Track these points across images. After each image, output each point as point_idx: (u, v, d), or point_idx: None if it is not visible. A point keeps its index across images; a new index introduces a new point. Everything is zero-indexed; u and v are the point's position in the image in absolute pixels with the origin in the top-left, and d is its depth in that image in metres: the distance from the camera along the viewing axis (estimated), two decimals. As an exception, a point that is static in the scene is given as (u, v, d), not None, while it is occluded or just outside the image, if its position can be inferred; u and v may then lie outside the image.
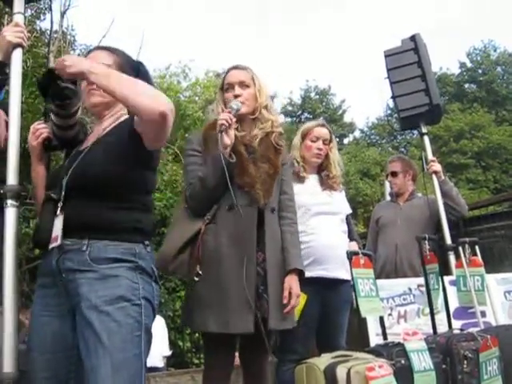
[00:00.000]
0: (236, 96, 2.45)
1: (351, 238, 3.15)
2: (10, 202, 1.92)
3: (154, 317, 1.78)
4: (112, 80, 1.68)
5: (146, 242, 1.81)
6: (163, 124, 1.67)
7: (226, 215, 2.30)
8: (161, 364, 5.51)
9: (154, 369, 5.06)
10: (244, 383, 2.48)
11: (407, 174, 3.99)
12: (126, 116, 1.94)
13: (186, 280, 2.46)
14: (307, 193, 2.92)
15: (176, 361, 6.24)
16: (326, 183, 3.05)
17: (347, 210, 3.16)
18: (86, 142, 1.92)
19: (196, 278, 2.24)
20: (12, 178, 1.94)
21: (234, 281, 2.23)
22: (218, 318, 2.21)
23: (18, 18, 2.15)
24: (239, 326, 2.21)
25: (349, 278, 2.82)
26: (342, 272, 2.86)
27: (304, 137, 3.08)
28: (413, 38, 3.91)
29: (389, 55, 3.94)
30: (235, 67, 2.56)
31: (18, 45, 2.08)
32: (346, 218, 3.13)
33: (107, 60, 1.92)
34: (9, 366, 1.80)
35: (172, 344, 6.01)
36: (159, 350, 5.48)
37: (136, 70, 2.01)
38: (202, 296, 2.25)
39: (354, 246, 3.03)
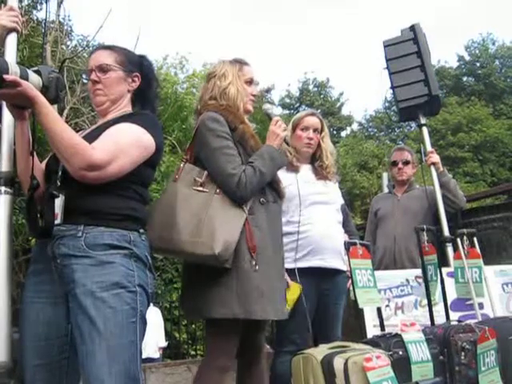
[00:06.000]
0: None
1: (348, 229, 3.13)
2: (3, 188, 1.88)
3: (149, 305, 1.78)
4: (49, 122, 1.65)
5: (141, 231, 1.81)
6: (94, 179, 1.67)
7: (260, 208, 2.33)
8: (156, 355, 5.52)
9: (150, 359, 5.07)
10: (239, 373, 2.45)
11: (414, 165, 3.98)
12: (130, 111, 1.94)
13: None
14: (302, 182, 2.87)
15: (172, 352, 6.25)
16: (321, 173, 3.02)
17: (340, 200, 3.13)
18: (85, 131, 1.90)
19: (257, 267, 2.21)
20: (5, 164, 1.90)
21: (275, 271, 2.31)
22: (273, 305, 2.25)
23: (13, 2, 2.10)
24: (284, 313, 2.35)
25: (345, 268, 2.82)
26: (338, 262, 2.85)
27: (295, 127, 3.04)
28: (412, 28, 3.87)
29: (388, 45, 3.91)
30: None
31: (13, 29, 2.04)
32: (344, 210, 3.11)
33: (108, 60, 1.91)
34: (2, 355, 1.79)
35: (168, 335, 6.01)
36: (155, 340, 5.49)
37: (139, 65, 2.00)
38: (259, 285, 2.21)
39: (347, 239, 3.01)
